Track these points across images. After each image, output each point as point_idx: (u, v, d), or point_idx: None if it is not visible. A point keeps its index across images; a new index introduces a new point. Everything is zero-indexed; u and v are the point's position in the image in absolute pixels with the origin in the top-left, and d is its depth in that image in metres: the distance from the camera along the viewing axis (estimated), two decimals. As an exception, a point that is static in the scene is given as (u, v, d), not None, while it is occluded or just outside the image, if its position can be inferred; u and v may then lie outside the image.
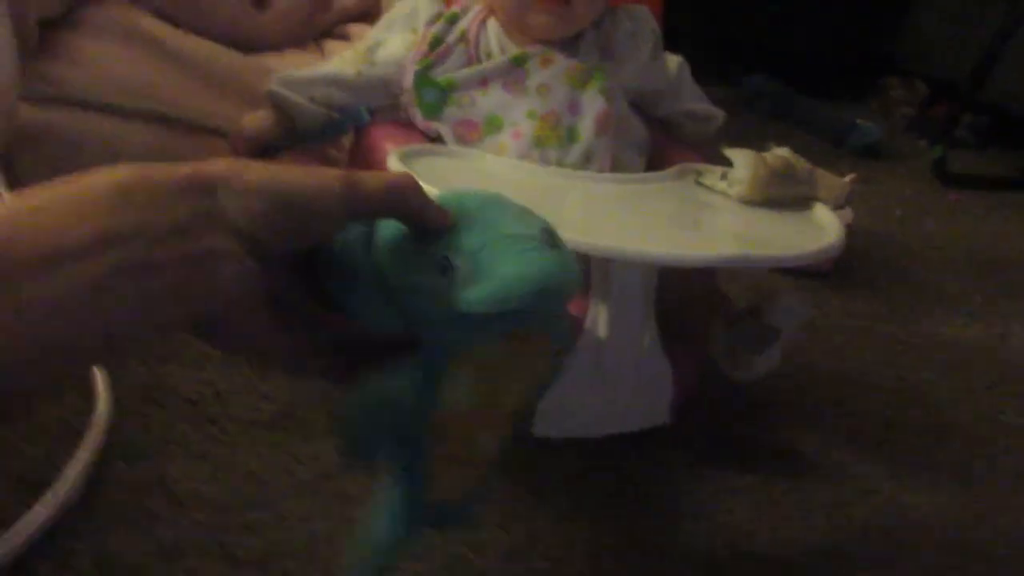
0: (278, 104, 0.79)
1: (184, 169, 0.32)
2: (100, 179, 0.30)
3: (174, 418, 0.70)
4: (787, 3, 2.01)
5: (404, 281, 0.35)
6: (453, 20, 0.80)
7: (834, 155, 1.73)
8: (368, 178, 0.34)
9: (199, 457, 0.67)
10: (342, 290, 0.36)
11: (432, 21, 0.80)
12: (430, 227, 0.35)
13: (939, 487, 0.81)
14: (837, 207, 1.16)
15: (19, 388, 0.28)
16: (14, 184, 0.81)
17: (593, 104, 0.76)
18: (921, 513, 0.77)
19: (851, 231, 1.16)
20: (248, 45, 1.11)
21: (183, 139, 0.94)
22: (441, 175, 0.67)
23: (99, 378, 0.69)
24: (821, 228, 0.70)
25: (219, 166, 0.32)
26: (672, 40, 0.86)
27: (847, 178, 1.22)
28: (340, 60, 0.81)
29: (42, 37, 0.92)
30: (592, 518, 0.70)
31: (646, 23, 0.83)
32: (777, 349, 0.72)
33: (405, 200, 0.35)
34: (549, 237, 0.35)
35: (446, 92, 0.76)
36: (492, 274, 0.33)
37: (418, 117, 0.77)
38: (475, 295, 0.33)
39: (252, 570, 0.59)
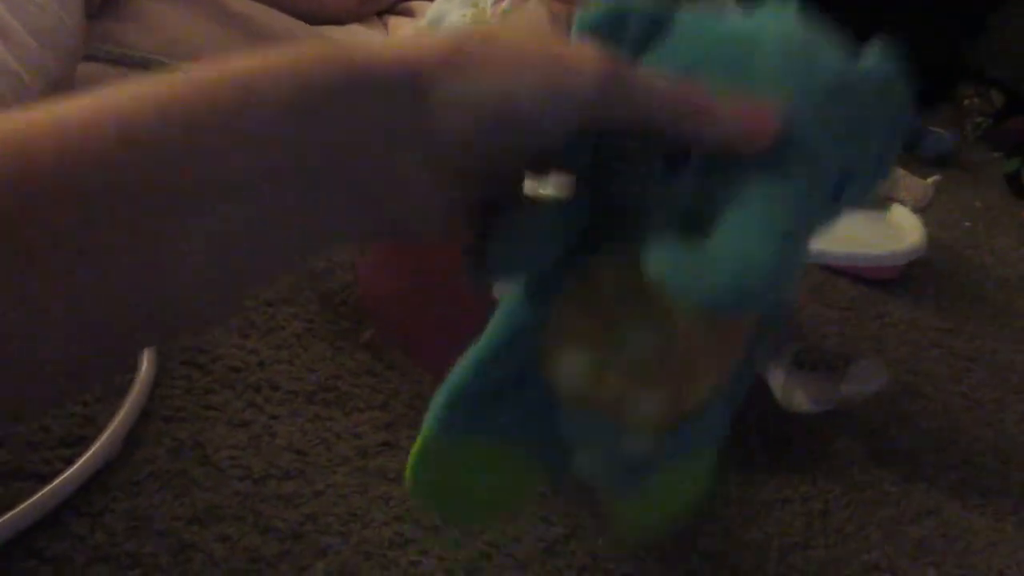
0: None
1: (387, 58, 0.25)
2: (269, 78, 0.25)
3: (217, 384, 0.69)
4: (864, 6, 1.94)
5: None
6: None
7: (905, 160, 1.66)
8: (645, 76, 0.26)
9: (239, 425, 0.66)
10: None
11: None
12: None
13: (1003, 512, 0.77)
14: (916, 210, 1.10)
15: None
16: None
17: None
18: (984, 540, 0.73)
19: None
20: (312, 17, 1.10)
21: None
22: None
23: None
24: (900, 230, 0.66)
25: (433, 56, 0.25)
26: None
27: (930, 180, 1.15)
28: (405, 37, 0.80)
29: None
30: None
31: None
32: (829, 406, 0.69)
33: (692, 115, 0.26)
34: None
35: None
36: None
37: None
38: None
39: (285, 542, 0.57)
